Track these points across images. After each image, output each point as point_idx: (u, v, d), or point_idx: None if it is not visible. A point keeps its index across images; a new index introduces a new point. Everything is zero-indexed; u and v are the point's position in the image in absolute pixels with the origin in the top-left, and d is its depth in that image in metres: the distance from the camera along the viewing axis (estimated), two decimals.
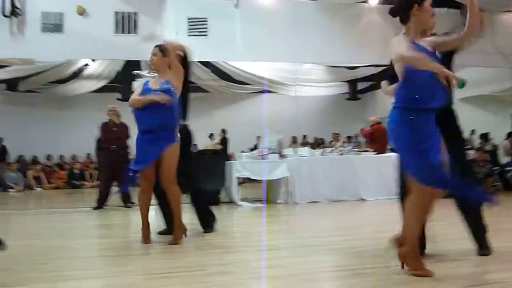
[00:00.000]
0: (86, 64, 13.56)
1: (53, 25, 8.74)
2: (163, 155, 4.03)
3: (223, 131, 14.36)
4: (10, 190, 13.62)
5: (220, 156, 8.16)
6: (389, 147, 10.94)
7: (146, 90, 4.14)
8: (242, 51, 9.50)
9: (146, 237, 4.17)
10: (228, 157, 9.02)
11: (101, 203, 7.67)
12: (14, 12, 8.57)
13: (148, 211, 4.29)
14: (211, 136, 14.45)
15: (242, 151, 10.32)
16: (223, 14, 9.33)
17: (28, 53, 9.00)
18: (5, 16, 8.56)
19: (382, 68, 14.42)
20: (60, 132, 15.42)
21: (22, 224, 6.19)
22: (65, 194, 12.13)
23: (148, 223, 4.23)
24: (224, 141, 13.60)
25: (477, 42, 10.22)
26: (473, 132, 14.50)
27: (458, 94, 13.74)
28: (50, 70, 12.98)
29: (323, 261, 3.55)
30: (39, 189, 13.71)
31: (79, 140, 13.88)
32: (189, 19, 9.33)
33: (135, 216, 6.17)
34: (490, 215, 3.58)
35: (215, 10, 9.33)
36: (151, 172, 4.09)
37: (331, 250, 3.90)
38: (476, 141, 13.15)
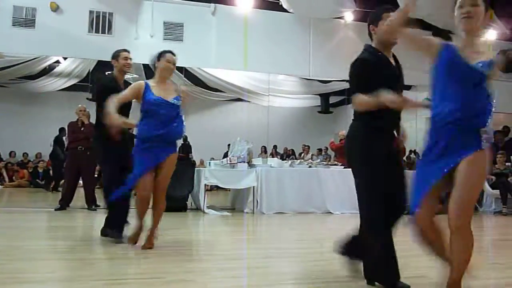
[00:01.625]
0: (57, 62, 13.30)
1: (25, 19, 8.55)
2: (165, 162, 4.11)
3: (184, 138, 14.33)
4: None
5: (188, 162, 8.09)
6: None
7: (159, 100, 4.05)
8: (217, 58, 9.49)
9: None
10: (192, 164, 8.96)
11: (64, 204, 7.50)
12: None
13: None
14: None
15: (212, 158, 10.29)
16: (199, 20, 9.32)
17: None
18: None
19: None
20: (26, 129, 15.06)
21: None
22: (27, 193, 11.80)
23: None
24: (185, 148, 13.52)
25: None
26: None
27: (425, 113, 14.00)
28: (19, 65, 12.66)
29: (286, 272, 3.56)
30: (0, 186, 13.32)
31: (45, 138, 13.56)
32: (165, 23, 9.28)
33: (98, 219, 6.06)
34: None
35: (192, 15, 9.31)
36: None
37: (295, 261, 3.91)
38: None
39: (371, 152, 2.87)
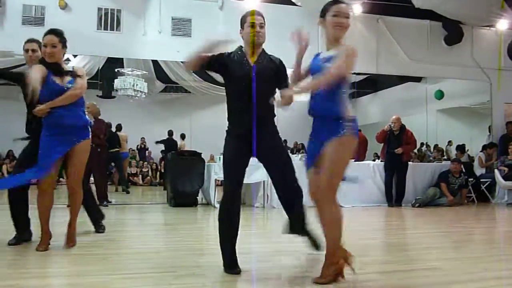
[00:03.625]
0: (67, 59, 13.37)
1: (34, 18, 8.61)
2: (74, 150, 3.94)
3: (182, 136, 14.39)
4: None
5: (198, 157, 8.11)
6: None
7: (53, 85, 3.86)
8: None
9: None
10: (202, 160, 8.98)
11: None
12: None
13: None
14: (183, 137, 14.41)
15: (222, 153, 10.29)
16: (207, 15, 9.30)
17: (8, 45, 8.79)
18: None
19: (363, 76, 14.63)
20: None
21: None
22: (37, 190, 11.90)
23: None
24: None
25: (457, 55, 10.49)
26: (449, 143, 14.77)
27: (436, 105, 13.99)
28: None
29: (296, 266, 3.57)
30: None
31: None
32: (173, 18, 9.28)
33: (109, 215, 6.10)
34: (463, 225, 3.64)
35: (199, 11, 9.30)
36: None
37: (304, 255, 3.91)
38: (453, 152, 13.38)
39: None
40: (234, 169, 3.34)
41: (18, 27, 8.50)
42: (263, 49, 3.40)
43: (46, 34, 3.94)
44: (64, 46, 4.02)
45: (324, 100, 2.92)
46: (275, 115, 3.40)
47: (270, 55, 3.43)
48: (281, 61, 3.43)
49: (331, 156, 2.85)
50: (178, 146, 13.90)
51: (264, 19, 3.36)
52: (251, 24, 3.29)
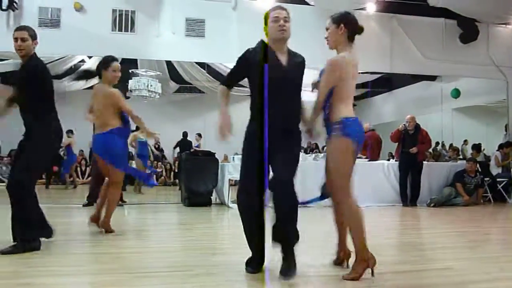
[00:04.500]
0: (82, 61, 13.52)
1: (50, 20, 8.72)
2: None
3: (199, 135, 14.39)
4: (1, 184, 13.58)
5: (212, 157, 8.15)
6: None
7: None
8: (238, 53, 9.47)
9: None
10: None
11: (92, 200, 7.64)
12: (11, 6, 8.54)
13: None
14: (199, 136, 14.41)
15: (236, 153, 10.32)
16: (220, 15, 9.33)
17: None
18: (2, 10, 8.52)
19: (378, 76, 14.54)
20: None
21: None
22: (56, 190, 12.07)
23: None
24: (185, 144, 13.47)
25: (472, 53, 10.38)
26: (465, 142, 14.60)
27: (451, 104, 13.83)
28: (48, 64, 12.93)
29: (310, 265, 3.56)
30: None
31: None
32: (187, 19, 9.32)
33: (123, 215, 6.17)
34: (479, 225, 3.61)
35: (212, 11, 9.33)
36: None
37: (320, 253, 3.91)
38: (468, 152, 13.24)
39: None
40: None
41: (34, 28, 8.61)
42: (287, 46, 3.29)
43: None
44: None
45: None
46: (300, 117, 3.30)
47: (293, 52, 3.34)
48: (303, 59, 3.35)
49: (329, 159, 3.14)
50: (196, 144, 13.95)
51: (288, 14, 3.27)
52: (275, 18, 3.19)
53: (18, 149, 3.90)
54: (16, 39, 3.85)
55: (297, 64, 3.23)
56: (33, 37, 3.92)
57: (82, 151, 15.19)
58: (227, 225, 6.41)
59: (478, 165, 9.00)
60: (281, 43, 3.20)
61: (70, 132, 12.01)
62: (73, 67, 13.69)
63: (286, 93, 3.11)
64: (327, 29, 3.27)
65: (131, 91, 14.16)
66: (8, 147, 14.92)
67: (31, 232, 3.73)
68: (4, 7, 8.52)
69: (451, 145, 14.48)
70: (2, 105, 3.83)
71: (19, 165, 3.76)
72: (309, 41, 10.05)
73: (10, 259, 3.45)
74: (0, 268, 3.17)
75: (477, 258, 3.85)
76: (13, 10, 8.60)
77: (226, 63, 12.20)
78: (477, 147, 11.25)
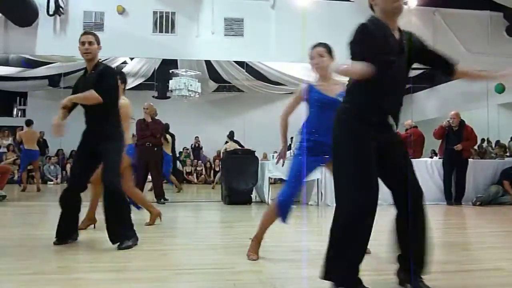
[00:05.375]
0: (125, 62, 13.86)
1: (94, 23, 9.00)
2: None
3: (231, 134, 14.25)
4: (49, 182, 14.12)
5: (252, 155, 8.19)
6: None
7: None
8: (277, 51, 9.52)
9: None
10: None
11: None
12: (58, 11, 8.87)
13: None
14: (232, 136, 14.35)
15: (275, 152, 10.32)
16: (259, 14, 9.36)
17: (70, 50, 9.22)
18: (49, 15, 8.86)
19: (420, 71, 14.21)
20: None
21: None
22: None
23: None
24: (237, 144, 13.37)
25: None
26: None
27: (497, 99, 13.41)
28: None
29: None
30: None
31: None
32: (225, 19, 9.41)
33: (166, 212, 6.28)
34: None
35: (251, 10, 9.38)
36: None
37: None
38: None
39: None
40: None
41: (79, 32, 8.82)
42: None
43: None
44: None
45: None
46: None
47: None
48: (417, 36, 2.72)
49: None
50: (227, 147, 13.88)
51: None
52: None
53: (88, 153, 4.01)
54: (83, 43, 4.07)
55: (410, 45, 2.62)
56: (98, 41, 4.14)
57: None
58: None
59: None
60: (395, 17, 2.59)
61: None
62: (115, 68, 14.05)
63: (401, 78, 2.64)
64: (321, 55, 3.47)
65: (171, 91, 14.42)
66: (56, 147, 15.48)
67: (132, 231, 3.94)
68: (51, 12, 8.85)
69: (497, 142, 13.99)
70: (64, 111, 3.95)
71: (110, 171, 3.87)
72: (347, 38, 9.98)
73: (58, 255, 3.59)
74: (49, 263, 3.30)
75: None
76: (59, 15, 8.94)
77: (265, 62, 12.27)
78: None
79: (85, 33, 4.18)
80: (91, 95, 3.86)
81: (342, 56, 3.28)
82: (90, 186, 4.80)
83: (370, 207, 2.47)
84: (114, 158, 3.91)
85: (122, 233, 3.86)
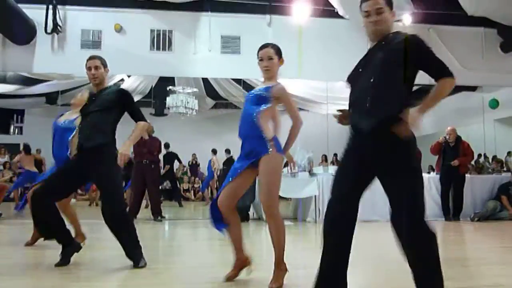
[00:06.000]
0: (122, 79, 13.90)
1: (92, 42, 9.05)
2: None
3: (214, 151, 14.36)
4: None
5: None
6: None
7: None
8: None
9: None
10: None
11: (131, 216, 7.78)
12: (56, 29, 8.92)
13: None
14: (214, 152, 14.42)
15: None
16: (256, 32, 9.43)
17: (68, 68, 9.30)
18: (47, 33, 8.91)
19: (416, 87, 14.30)
20: None
21: None
22: (96, 206, 12.32)
23: None
24: (170, 157, 13.38)
25: None
26: (509, 154, 14.13)
27: (493, 115, 13.45)
28: (88, 85, 13.37)
29: (352, 281, 3.50)
30: (73, 200, 14.02)
31: None
32: (222, 37, 9.47)
33: (163, 230, 6.25)
34: None
35: (248, 28, 9.45)
36: None
37: (361, 269, 3.84)
38: None
39: None
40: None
41: (77, 50, 8.96)
42: (389, 34, 2.67)
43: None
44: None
45: (249, 122, 3.21)
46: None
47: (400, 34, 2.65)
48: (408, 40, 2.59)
49: (264, 176, 3.16)
50: (212, 162, 14.09)
51: (382, 2, 2.63)
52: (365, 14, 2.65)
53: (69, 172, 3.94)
54: (89, 68, 4.03)
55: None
56: (105, 65, 4.13)
57: None
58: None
59: None
60: (371, 35, 2.69)
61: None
62: (113, 85, 14.07)
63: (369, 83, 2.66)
64: (270, 58, 3.37)
65: (168, 108, 14.45)
66: (51, 165, 15.42)
67: (141, 250, 3.90)
68: (49, 30, 8.90)
69: (494, 157, 14.04)
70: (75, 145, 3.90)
71: (114, 194, 3.82)
72: (344, 55, 10.06)
73: (53, 274, 3.55)
74: (44, 283, 3.26)
75: None
76: (57, 33, 8.98)
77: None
78: None
79: (91, 58, 4.11)
80: (143, 127, 3.97)
81: (339, 73, 3.29)
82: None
83: (328, 216, 2.65)
84: (117, 183, 3.93)
85: (136, 253, 3.84)
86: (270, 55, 3.37)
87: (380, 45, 2.62)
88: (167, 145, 12.73)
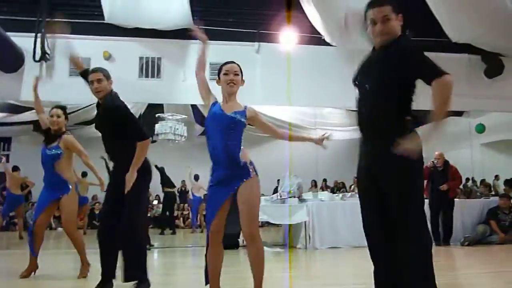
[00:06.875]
0: None
1: None
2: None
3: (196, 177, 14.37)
4: None
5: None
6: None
7: None
8: (263, 95, 9.62)
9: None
10: None
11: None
12: (44, 57, 8.92)
13: None
14: (196, 178, 14.44)
15: (262, 194, 10.28)
16: (244, 59, 9.38)
17: (56, 96, 9.23)
18: (35, 61, 8.90)
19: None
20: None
21: (48, 264, 6.19)
22: (87, 235, 12.09)
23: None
24: (165, 180, 13.41)
25: (499, 88, 10.26)
26: (496, 177, 14.24)
27: (480, 139, 13.61)
28: (76, 112, 13.32)
29: None
30: (60, 229, 13.79)
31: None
32: (211, 63, 9.51)
33: (152, 258, 6.13)
34: None
35: (236, 55, 9.42)
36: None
37: None
38: (500, 187, 12.88)
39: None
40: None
41: (65, 78, 8.94)
42: (393, 40, 2.65)
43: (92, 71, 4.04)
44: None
45: (230, 148, 3.16)
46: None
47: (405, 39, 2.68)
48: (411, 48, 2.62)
49: (248, 201, 3.15)
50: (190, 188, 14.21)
51: (388, 9, 2.59)
52: (372, 21, 2.61)
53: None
54: (92, 82, 3.96)
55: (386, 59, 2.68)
56: (107, 76, 4.06)
57: None
58: None
59: None
60: (376, 43, 2.70)
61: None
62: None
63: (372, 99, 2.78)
64: (237, 74, 3.32)
65: (157, 135, 14.43)
66: (38, 192, 15.21)
67: (146, 272, 3.83)
68: (37, 58, 8.90)
69: (482, 181, 14.13)
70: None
71: (130, 210, 3.73)
72: (332, 81, 10.17)
73: None
74: None
75: None
76: (46, 61, 8.98)
77: (251, 105, 12.37)
78: (510, 183, 10.96)
79: (93, 71, 4.04)
80: (143, 146, 3.85)
81: (327, 99, 3.32)
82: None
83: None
84: (133, 199, 3.79)
85: (141, 274, 3.77)
86: (237, 71, 3.32)
87: (385, 51, 2.64)
88: (161, 170, 12.94)
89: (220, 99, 3.44)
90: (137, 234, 3.81)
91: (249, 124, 3.33)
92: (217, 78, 3.37)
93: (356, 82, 2.78)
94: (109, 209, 3.89)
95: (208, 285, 3.29)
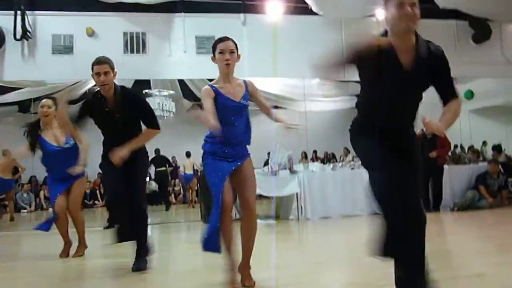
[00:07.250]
0: (95, 84, 13.69)
1: (63, 47, 8.86)
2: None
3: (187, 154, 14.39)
4: (23, 210, 13.73)
5: None
6: None
7: None
8: (250, 67, 9.51)
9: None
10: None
11: (112, 222, 7.65)
12: (25, 35, 8.70)
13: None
14: (188, 155, 14.47)
15: (254, 168, 10.30)
16: (230, 32, 9.23)
17: (40, 75, 9.09)
18: (16, 39, 8.69)
19: None
20: None
21: (35, 244, 6.19)
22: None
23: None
24: (161, 161, 13.48)
25: (486, 53, 10.26)
26: (484, 143, 14.37)
27: (468, 106, 13.68)
28: (61, 91, 13.11)
29: (336, 278, 3.49)
30: (51, 209, 13.77)
31: (89, 159, 13.95)
32: (197, 37, 9.40)
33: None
34: (506, 228, 3.51)
35: (222, 28, 9.38)
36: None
37: (346, 266, 3.83)
38: (489, 153, 13.02)
39: None
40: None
41: (48, 56, 8.76)
42: (418, 36, 2.63)
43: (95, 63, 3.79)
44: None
45: (242, 131, 3.29)
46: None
47: (428, 42, 2.68)
48: (442, 53, 2.70)
49: (252, 176, 3.35)
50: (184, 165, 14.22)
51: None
52: (399, 3, 2.40)
53: (119, 174, 3.79)
54: (98, 74, 3.71)
55: (425, 63, 2.68)
56: (113, 68, 3.84)
57: (100, 173, 15.28)
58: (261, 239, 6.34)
59: (500, 166, 8.82)
60: (405, 37, 2.61)
61: None
62: (87, 91, 13.83)
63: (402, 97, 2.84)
64: (232, 52, 3.22)
65: None
66: (28, 174, 15.10)
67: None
68: (18, 37, 8.69)
69: (470, 147, 14.24)
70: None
71: (138, 192, 3.87)
72: (319, 52, 10.07)
73: (31, 286, 3.45)
74: None
75: (508, 262, 3.73)
76: (27, 39, 8.77)
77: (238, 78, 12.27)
78: (497, 148, 11.06)
79: (99, 62, 3.74)
80: (151, 134, 3.96)
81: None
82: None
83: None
84: (143, 181, 4.14)
85: (149, 249, 3.96)
86: (232, 49, 3.20)
87: (414, 53, 2.56)
88: (157, 151, 12.92)
89: (213, 73, 3.36)
90: (145, 212, 3.99)
91: None
92: (212, 55, 3.26)
93: (385, 75, 2.53)
94: (121, 190, 3.79)
95: (223, 253, 3.25)
